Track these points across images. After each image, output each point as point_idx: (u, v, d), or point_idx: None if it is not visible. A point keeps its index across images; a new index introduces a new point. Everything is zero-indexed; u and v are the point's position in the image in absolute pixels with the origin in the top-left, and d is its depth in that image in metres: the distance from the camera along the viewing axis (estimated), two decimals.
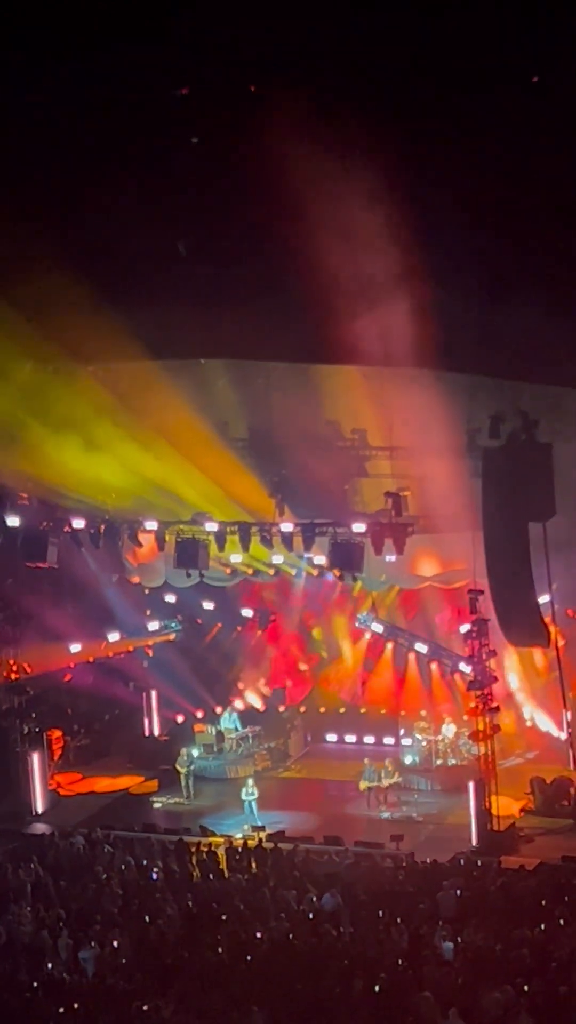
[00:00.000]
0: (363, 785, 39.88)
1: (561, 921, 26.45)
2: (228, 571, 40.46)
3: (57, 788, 42.32)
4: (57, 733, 43.77)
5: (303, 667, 48.63)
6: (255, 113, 26.95)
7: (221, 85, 27.32)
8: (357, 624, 43.57)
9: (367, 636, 45.16)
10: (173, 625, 47.26)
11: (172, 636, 47.36)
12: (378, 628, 42.51)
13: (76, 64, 27.00)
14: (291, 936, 26.54)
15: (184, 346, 36.31)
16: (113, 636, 44.61)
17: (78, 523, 38.86)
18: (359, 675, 46.95)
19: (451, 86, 26.41)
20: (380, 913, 27.64)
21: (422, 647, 40.25)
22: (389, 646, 44.52)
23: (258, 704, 48.08)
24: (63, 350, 35.31)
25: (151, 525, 38.48)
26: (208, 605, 46.78)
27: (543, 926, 26.21)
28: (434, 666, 41.17)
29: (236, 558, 38.95)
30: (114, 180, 29.12)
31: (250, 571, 40.80)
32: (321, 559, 38.01)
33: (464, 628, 37.29)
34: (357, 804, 40.33)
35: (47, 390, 37.10)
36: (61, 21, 25.90)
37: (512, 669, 42.29)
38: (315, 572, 40.07)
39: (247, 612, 47.83)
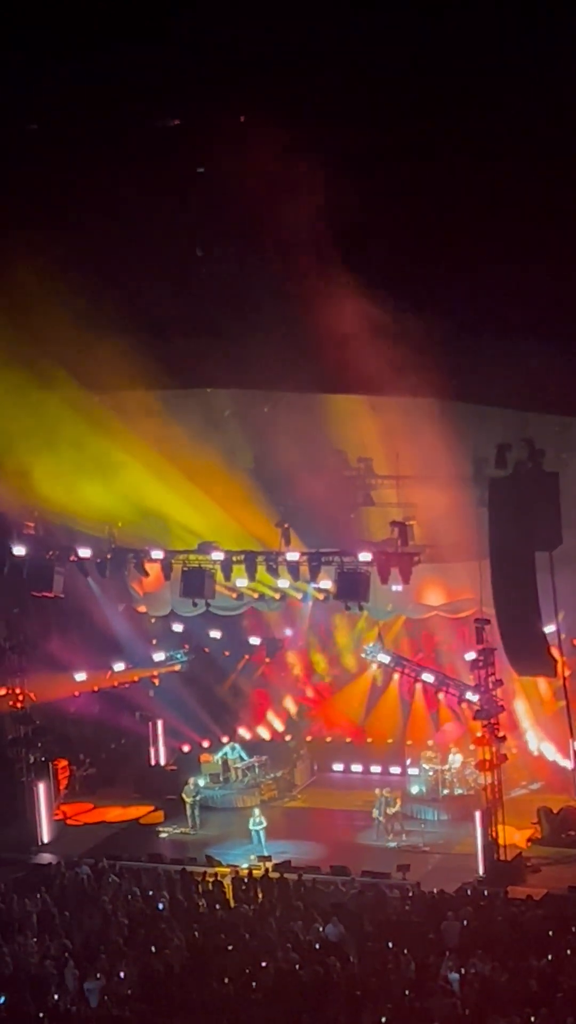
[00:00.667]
0: (376, 814, 39.83)
1: (568, 951, 26.36)
2: (234, 596, 40.31)
3: (64, 818, 42.22)
4: (63, 763, 43.66)
5: (309, 693, 48.56)
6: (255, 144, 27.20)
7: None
8: (364, 655, 43.44)
9: (374, 667, 45.02)
10: (179, 656, 47.09)
11: (177, 667, 47.17)
12: (385, 659, 42.39)
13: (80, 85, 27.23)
14: (297, 967, 26.45)
15: (193, 376, 36.46)
16: (119, 666, 44.55)
17: (84, 552, 38.88)
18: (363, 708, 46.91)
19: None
20: (387, 943, 27.55)
21: (429, 677, 40.15)
22: (396, 676, 44.35)
23: (265, 734, 47.95)
24: (73, 378, 35.44)
25: (157, 554, 38.51)
26: (215, 634, 46.70)
27: (550, 956, 26.12)
28: (441, 695, 41.01)
29: (242, 582, 38.85)
30: (124, 210, 29.34)
31: (256, 595, 40.63)
32: (327, 583, 37.91)
33: (470, 656, 37.27)
34: (363, 834, 40.19)
35: (55, 418, 37.20)
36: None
37: (518, 698, 42.16)
38: (321, 597, 39.94)
39: (255, 640, 47.71)
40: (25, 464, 36.63)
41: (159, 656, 46.36)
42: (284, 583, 38.98)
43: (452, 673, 40.76)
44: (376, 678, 46.23)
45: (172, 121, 28.73)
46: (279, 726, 48.23)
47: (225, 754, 45.20)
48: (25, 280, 31.64)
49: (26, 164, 29.55)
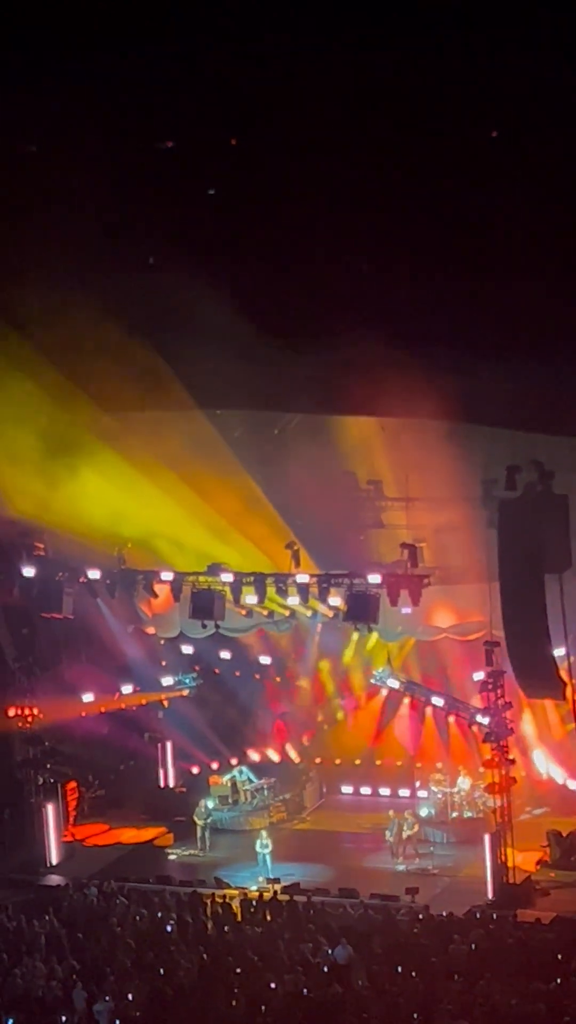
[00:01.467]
0: (389, 836, 39.75)
1: None
2: (244, 613, 40.13)
3: (73, 839, 42.19)
4: (72, 784, 43.65)
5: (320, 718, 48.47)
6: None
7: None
8: (373, 680, 43.25)
9: (383, 692, 44.88)
10: (187, 681, 46.86)
11: (186, 692, 46.92)
12: (394, 684, 42.23)
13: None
14: (305, 989, 26.38)
15: (205, 396, 36.55)
16: (127, 688, 44.45)
17: (93, 574, 38.89)
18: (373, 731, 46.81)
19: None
20: (395, 966, 27.48)
21: (439, 701, 40.06)
22: (406, 700, 44.20)
23: (274, 756, 47.86)
24: (88, 398, 35.53)
25: (167, 575, 38.49)
26: (225, 655, 46.54)
27: (559, 980, 26.02)
28: (451, 718, 40.93)
29: (251, 599, 38.68)
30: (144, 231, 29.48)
31: (265, 613, 40.51)
32: (337, 600, 37.79)
33: (478, 676, 37.26)
34: (372, 856, 40.16)
35: (66, 437, 37.28)
36: None
37: (527, 721, 42.09)
38: (330, 614, 39.82)
39: (265, 659, 47.50)
40: (34, 484, 36.68)
41: (168, 680, 46.15)
42: (294, 600, 38.74)
43: (462, 694, 40.75)
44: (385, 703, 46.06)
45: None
46: (290, 751, 48.08)
47: (234, 776, 45.17)
48: (34, 296, 31.78)
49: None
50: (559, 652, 36.43)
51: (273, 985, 26.74)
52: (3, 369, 33.46)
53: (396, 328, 30.50)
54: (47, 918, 32.43)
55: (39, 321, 32.63)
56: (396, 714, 45.59)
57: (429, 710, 42.42)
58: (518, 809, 40.52)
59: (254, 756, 47.34)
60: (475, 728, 38.49)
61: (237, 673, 48.22)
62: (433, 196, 28.28)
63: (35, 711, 41.15)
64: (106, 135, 27.77)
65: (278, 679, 48.54)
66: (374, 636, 41.59)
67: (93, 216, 29.36)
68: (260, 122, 27.65)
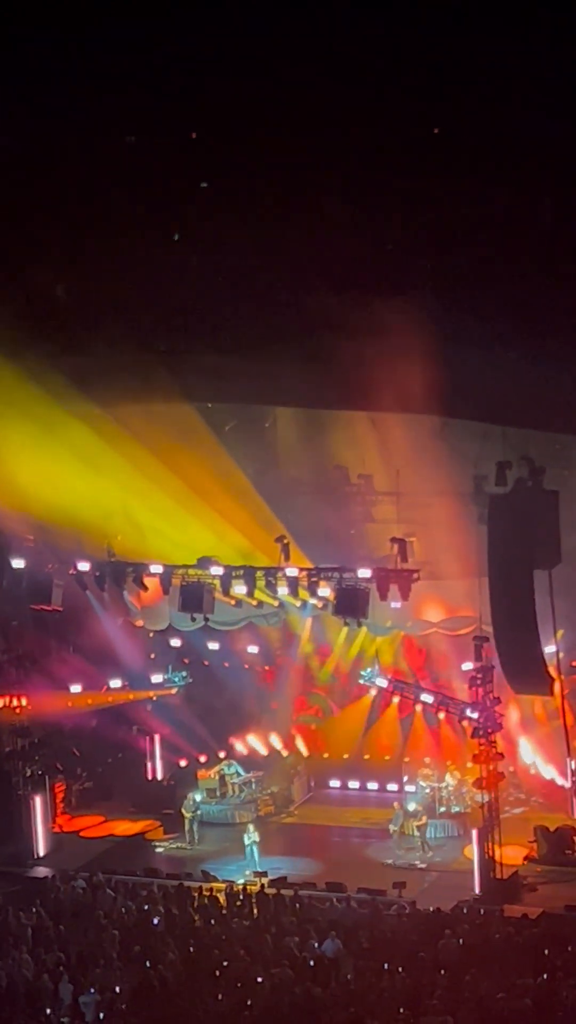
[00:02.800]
0: (393, 828, 39.79)
1: (564, 970, 26.30)
2: (232, 603, 39.95)
3: (61, 830, 42.18)
4: (60, 776, 43.64)
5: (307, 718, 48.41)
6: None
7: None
8: (362, 680, 43.19)
9: (372, 692, 44.82)
10: (176, 680, 46.65)
11: (174, 690, 46.69)
12: (383, 683, 42.18)
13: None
14: (292, 983, 26.39)
15: (197, 391, 36.53)
16: (115, 683, 44.27)
17: (83, 566, 38.85)
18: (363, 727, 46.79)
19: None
20: (382, 960, 27.50)
21: (428, 698, 40.05)
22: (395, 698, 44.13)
23: (262, 749, 47.81)
24: (77, 390, 35.50)
25: (156, 568, 38.42)
26: (213, 645, 46.39)
27: (545, 976, 26.07)
28: (441, 714, 40.89)
29: (240, 589, 38.58)
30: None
31: (255, 603, 40.38)
32: (326, 591, 37.73)
33: (467, 666, 37.30)
34: (360, 850, 40.19)
35: (56, 429, 37.25)
36: None
37: (515, 716, 42.11)
38: (320, 605, 39.74)
39: (253, 649, 47.30)
40: (24, 476, 36.62)
41: (157, 678, 45.87)
42: (284, 590, 38.62)
43: (450, 688, 40.81)
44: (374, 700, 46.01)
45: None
46: (278, 744, 48.02)
47: (222, 769, 45.16)
48: (31, 287, 31.77)
49: None
50: (549, 649, 36.49)
51: (260, 979, 26.75)
52: None
53: (386, 322, 30.49)
54: (34, 910, 32.41)
55: (30, 311, 32.62)
56: (385, 711, 45.58)
57: (419, 707, 42.36)
58: (511, 802, 40.70)
59: (242, 749, 47.26)
60: (465, 723, 38.48)
61: (226, 664, 48.09)
62: (423, 190, 28.29)
63: (23, 703, 41.07)
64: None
65: (267, 667, 48.38)
66: (363, 630, 41.49)
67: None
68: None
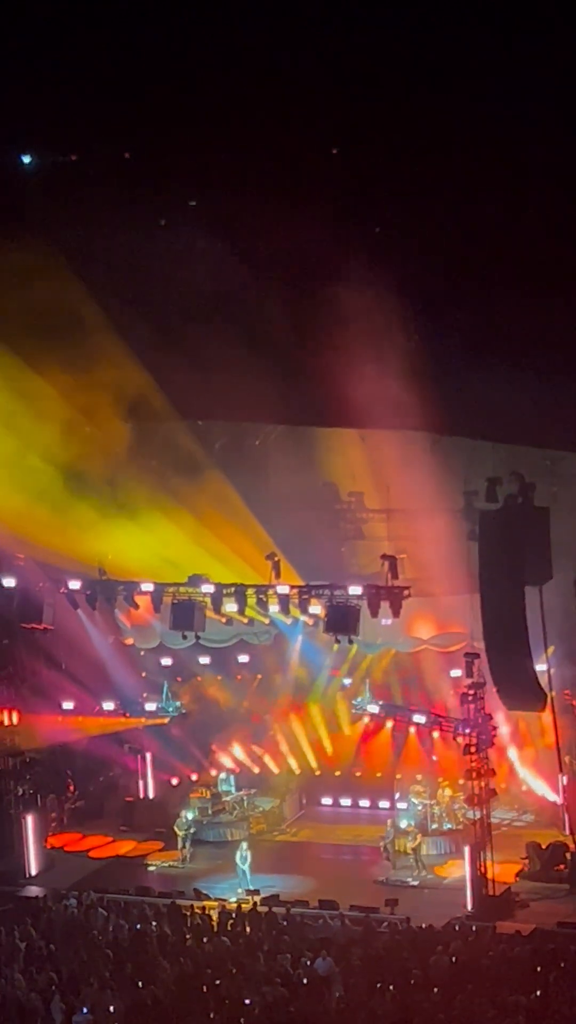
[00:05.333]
0: (384, 844, 39.73)
1: (556, 987, 26.27)
2: (224, 620, 39.85)
3: (52, 848, 42.05)
4: (50, 795, 43.55)
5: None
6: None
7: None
8: (354, 710, 42.98)
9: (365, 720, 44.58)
10: (170, 709, 45.98)
11: (166, 720, 46.18)
12: (374, 709, 42.00)
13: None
14: (285, 1001, 26.34)
15: (185, 408, 36.60)
16: (108, 705, 43.78)
17: (74, 584, 38.84)
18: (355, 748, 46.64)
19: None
20: (374, 979, 27.45)
21: (420, 718, 40.01)
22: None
23: (255, 767, 47.71)
24: (71, 409, 35.60)
25: (147, 587, 38.40)
26: (204, 660, 46.14)
27: (538, 992, 26.03)
28: (436, 733, 40.78)
29: (231, 607, 38.50)
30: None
31: (245, 621, 40.32)
32: (317, 609, 37.70)
33: (455, 673, 37.29)
34: (352, 868, 40.15)
35: (47, 447, 37.32)
36: None
37: (507, 732, 42.10)
38: (311, 622, 39.70)
39: (244, 658, 46.91)
40: (14, 495, 36.65)
41: (151, 706, 45.19)
42: (275, 607, 38.58)
43: (443, 705, 40.80)
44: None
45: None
46: (270, 762, 47.90)
47: (214, 787, 45.09)
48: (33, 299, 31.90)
49: None
50: (540, 668, 36.48)
51: (248, 1001, 26.68)
52: None
53: (379, 339, 30.58)
54: (27, 929, 32.33)
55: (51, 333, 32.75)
56: (378, 731, 45.42)
57: (412, 728, 42.31)
58: (503, 819, 40.66)
59: (233, 767, 47.14)
60: (459, 739, 38.43)
61: (219, 677, 47.96)
62: (422, 205, 28.40)
63: (15, 719, 41.01)
64: None
65: (259, 677, 47.99)
66: (354, 648, 41.43)
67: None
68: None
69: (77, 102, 29.25)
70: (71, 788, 45.52)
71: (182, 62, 28.47)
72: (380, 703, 41.87)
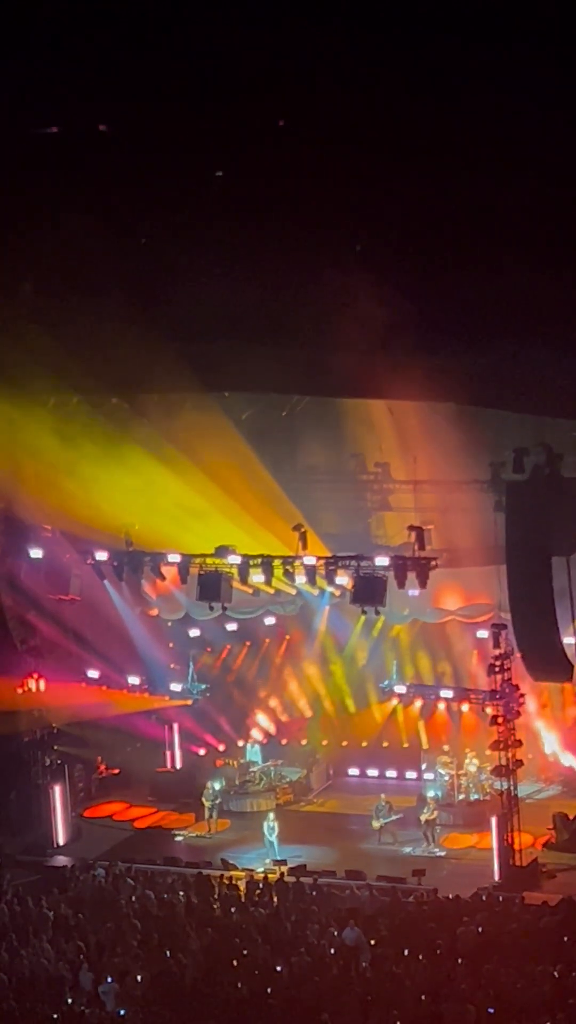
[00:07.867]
0: (375, 823, 39.73)
1: None
2: (250, 591, 39.76)
3: (80, 818, 42.21)
4: (78, 765, 43.70)
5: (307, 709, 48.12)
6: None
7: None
8: (383, 690, 43.00)
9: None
10: (194, 692, 45.85)
11: (190, 701, 46.12)
12: (402, 690, 41.95)
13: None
14: (312, 971, 26.42)
15: (214, 379, 36.51)
16: (134, 679, 43.75)
17: (101, 555, 38.89)
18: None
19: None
20: (402, 949, 27.50)
21: (447, 693, 40.00)
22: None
23: (282, 738, 47.67)
24: (93, 379, 35.52)
25: (174, 557, 38.41)
26: (231, 627, 45.94)
27: (565, 963, 26.04)
28: (465, 706, 40.69)
29: (258, 578, 38.49)
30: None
31: (272, 591, 40.24)
32: (344, 579, 37.66)
33: (482, 634, 37.23)
34: (379, 838, 40.17)
35: (74, 418, 37.32)
36: None
37: (534, 703, 42.04)
38: (338, 593, 39.63)
39: (270, 620, 46.58)
40: (41, 466, 36.70)
41: (176, 687, 45.12)
42: (301, 579, 38.54)
43: (470, 676, 40.79)
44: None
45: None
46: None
47: (242, 758, 45.19)
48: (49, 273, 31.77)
49: None
50: (568, 640, 36.37)
51: (279, 967, 26.78)
52: (14, 354, 33.44)
53: (404, 312, 30.39)
54: (54, 899, 32.48)
55: (56, 309, 32.62)
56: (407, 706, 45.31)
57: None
58: (530, 789, 40.64)
59: (261, 738, 47.19)
60: (488, 710, 38.39)
61: (248, 643, 47.77)
62: (436, 179, 28.16)
63: (42, 686, 41.09)
64: None
65: (286, 645, 47.76)
66: (381, 619, 41.39)
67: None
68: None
69: None
70: (99, 759, 45.66)
71: None
72: (407, 684, 41.85)
